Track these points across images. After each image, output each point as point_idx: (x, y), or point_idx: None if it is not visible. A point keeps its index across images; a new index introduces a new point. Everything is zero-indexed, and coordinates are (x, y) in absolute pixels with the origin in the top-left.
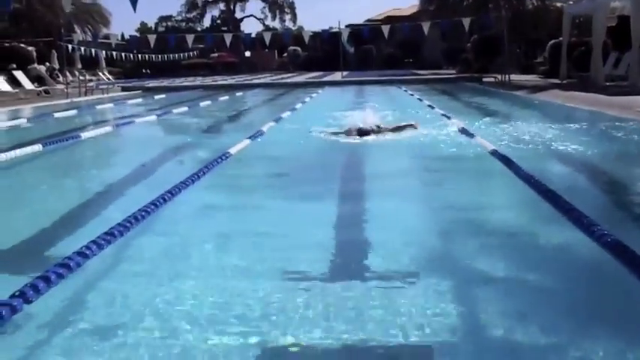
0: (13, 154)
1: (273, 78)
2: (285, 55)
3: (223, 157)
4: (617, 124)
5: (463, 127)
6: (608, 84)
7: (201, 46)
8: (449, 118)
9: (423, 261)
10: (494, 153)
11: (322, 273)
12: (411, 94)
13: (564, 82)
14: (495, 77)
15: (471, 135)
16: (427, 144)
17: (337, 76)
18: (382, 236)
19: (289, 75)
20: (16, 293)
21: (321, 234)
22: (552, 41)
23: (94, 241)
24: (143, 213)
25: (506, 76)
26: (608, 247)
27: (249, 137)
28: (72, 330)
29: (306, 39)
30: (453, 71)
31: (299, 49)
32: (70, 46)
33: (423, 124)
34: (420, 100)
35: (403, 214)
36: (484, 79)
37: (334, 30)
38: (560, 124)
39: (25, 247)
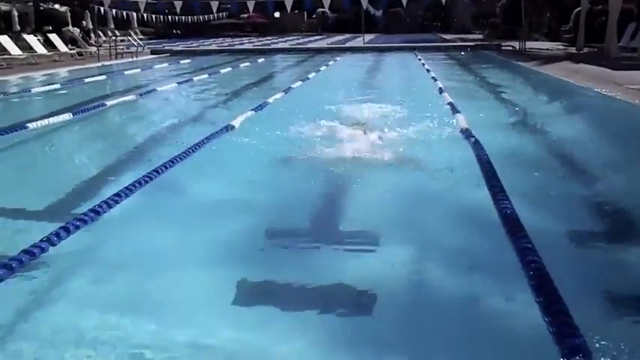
0: (46, 121)
1: (298, 41)
2: (315, 16)
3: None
4: (598, 102)
5: (451, 102)
6: (624, 55)
7: (230, 6)
8: (441, 92)
9: None
10: (465, 131)
11: None
12: (423, 64)
13: (581, 52)
14: (513, 46)
15: (456, 111)
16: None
17: (361, 41)
18: None
19: (315, 38)
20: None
21: None
22: (578, 8)
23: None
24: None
25: (523, 45)
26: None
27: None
28: None
29: (326, 5)
30: (481, 36)
31: (328, 11)
32: (102, 8)
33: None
34: (428, 70)
35: None
36: (503, 47)
37: None
38: (541, 100)
39: None
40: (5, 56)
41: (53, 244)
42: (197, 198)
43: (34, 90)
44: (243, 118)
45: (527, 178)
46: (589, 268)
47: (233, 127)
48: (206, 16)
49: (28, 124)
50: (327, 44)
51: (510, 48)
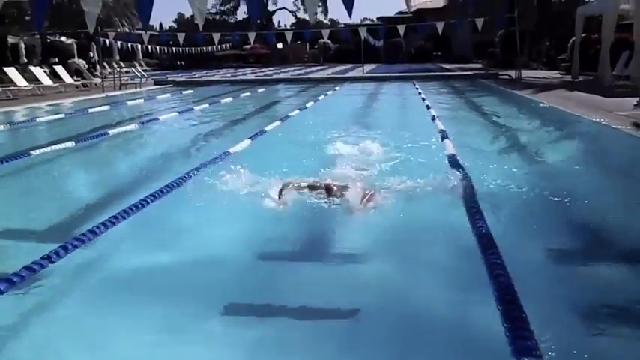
0: (48, 149)
1: (300, 72)
2: (317, 47)
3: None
4: (586, 129)
5: (442, 129)
6: (617, 83)
7: (232, 37)
8: (434, 119)
9: None
10: (451, 157)
11: None
12: (419, 93)
13: (576, 80)
14: (509, 75)
15: (445, 137)
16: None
17: (361, 70)
18: None
19: (317, 68)
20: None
21: None
22: (573, 38)
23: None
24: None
25: (519, 73)
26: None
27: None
28: None
29: (325, 36)
30: (480, 65)
31: (329, 41)
32: (107, 40)
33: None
34: (424, 99)
35: None
36: (500, 76)
37: (353, 26)
38: (530, 126)
39: None
40: (12, 87)
41: (52, 262)
42: (184, 225)
43: (38, 120)
44: (240, 147)
45: (508, 203)
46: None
47: (229, 153)
48: (209, 48)
49: (31, 152)
50: (328, 74)
51: (507, 77)
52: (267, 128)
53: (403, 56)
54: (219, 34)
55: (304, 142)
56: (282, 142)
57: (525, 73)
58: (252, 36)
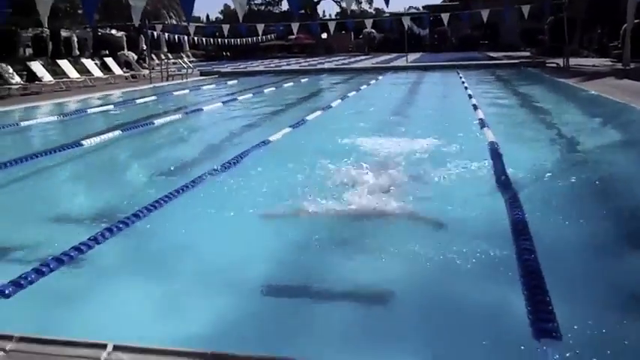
0: (98, 139)
1: (344, 62)
2: (361, 37)
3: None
4: (633, 117)
5: (482, 118)
6: None
7: (277, 28)
8: (475, 108)
9: None
10: (490, 145)
11: None
12: (463, 82)
13: (628, 67)
14: (557, 63)
15: (483, 125)
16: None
17: (405, 60)
18: None
19: (361, 58)
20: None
21: None
22: (625, 25)
23: None
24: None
25: (567, 61)
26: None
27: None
28: None
29: (369, 25)
30: (528, 53)
31: (374, 31)
32: (155, 33)
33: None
34: (466, 88)
35: None
36: (547, 64)
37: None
38: (572, 116)
39: None
40: (65, 79)
41: (98, 243)
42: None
43: (89, 110)
44: (281, 135)
45: (543, 190)
46: None
47: (269, 142)
48: (254, 38)
49: (82, 142)
50: (371, 64)
51: (554, 65)
52: (308, 117)
53: (448, 45)
54: (263, 25)
55: (344, 131)
56: (323, 131)
57: (575, 61)
58: (295, 26)
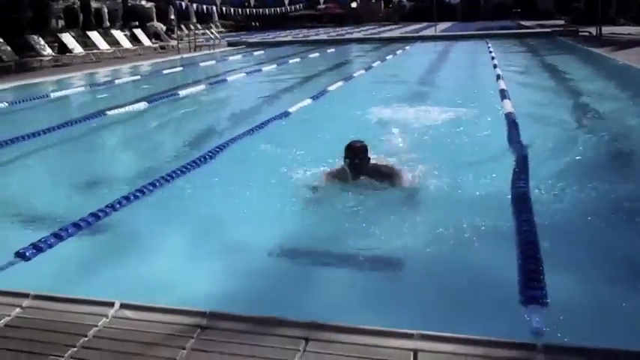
0: (124, 109)
1: (373, 31)
2: (391, 5)
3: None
4: None
5: (503, 89)
6: None
7: None
8: (498, 78)
9: None
10: (507, 116)
11: None
12: (490, 52)
13: None
14: (589, 32)
15: (503, 97)
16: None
17: (434, 30)
18: None
19: (390, 27)
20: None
21: None
22: None
23: None
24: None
25: (599, 30)
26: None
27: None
28: None
29: None
30: (562, 22)
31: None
32: (183, 3)
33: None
34: (493, 58)
35: None
36: (580, 33)
37: None
38: (600, 86)
39: None
40: (95, 50)
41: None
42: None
43: (116, 81)
44: (300, 106)
45: (558, 162)
46: None
47: (289, 113)
48: (284, 8)
49: (106, 112)
50: (400, 34)
51: (587, 33)
52: (330, 88)
53: (481, 14)
54: None
55: (365, 101)
56: (343, 102)
57: (611, 29)
58: None
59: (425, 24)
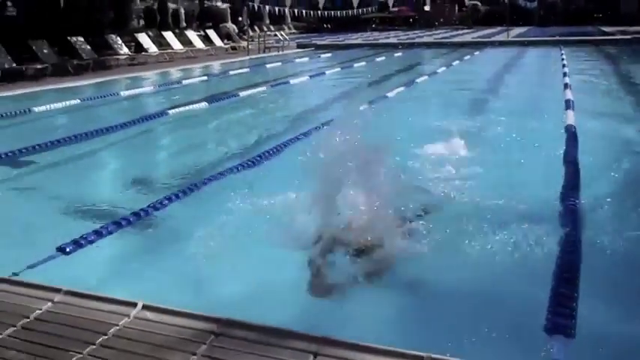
0: (185, 108)
1: (444, 35)
2: (465, 9)
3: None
4: None
5: (569, 99)
6: None
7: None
8: (565, 87)
9: None
10: (568, 128)
11: None
12: (562, 59)
13: None
14: None
15: (568, 107)
16: None
17: (507, 35)
18: None
19: (463, 32)
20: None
21: None
22: None
23: None
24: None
25: None
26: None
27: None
28: None
29: None
30: None
31: (479, 3)
32: (255, 5)
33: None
34: (564, 66)
35: None
36: None
37: None
38: None
39: None
40: (169, 50)
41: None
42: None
43: (184, 81)
44: (358, 110)
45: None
46: None
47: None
48: (355, 11)
49: (169, 111)
50: (471, 38)
51: None
52: (389, 94)
53: (559, 18)
54: None
55: (422, 109)
56: (401, 109)
57: None
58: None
59: (499, 28)
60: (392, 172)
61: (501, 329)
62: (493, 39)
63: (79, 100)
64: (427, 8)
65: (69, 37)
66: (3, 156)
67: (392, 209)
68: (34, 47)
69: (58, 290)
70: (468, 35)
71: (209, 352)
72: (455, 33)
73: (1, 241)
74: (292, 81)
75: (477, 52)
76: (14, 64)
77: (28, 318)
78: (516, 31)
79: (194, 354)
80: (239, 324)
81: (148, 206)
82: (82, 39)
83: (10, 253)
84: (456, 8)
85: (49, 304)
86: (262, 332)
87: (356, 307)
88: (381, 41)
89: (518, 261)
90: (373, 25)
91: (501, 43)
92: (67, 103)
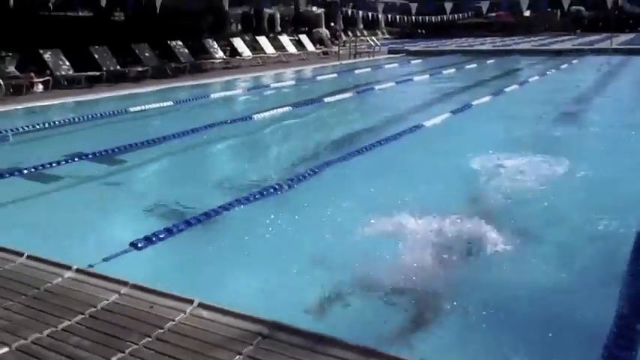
0: (272, 112)
1: (542, 42)
2: (568, 15)
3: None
4: None
5: None
6: None
7: (478, 5)
8: None
9: None
10: None
11: None
12: None
13: None
14: None
15: None
16: None
17: (610, 42)
18: None
19: (563, 39)
20: None
21: None
22: None
23: None
24: None
25: None
26: None
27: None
28: None
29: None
30: None
31: (582, 9)
32: (349, 10)
33: None
34: None
35: None
36: None
37: None
38: None
39: None
40: (262, 55)
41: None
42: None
43: (272, 85)
44: (440, 119)
45: None
46: None
47: (423, 126)
48: (451, 16)
49: (254, 115)
50: (571, 45)
51: None
52: (474, 102)
53: None
54: (450, 3)
55: (506, 119)
56: (483, 118)
57: None
58: (486, 5)
59: (603, 35)
60: None
61: None
62: (596, 46)
63: (169, 103)
64: (527, 14)
65: (169, 41)
66: (97, 154)
67: None
68: (136, 51)
69: (125, 283)
70: (569, 42)
71: (254, 353)
72: (555, 40)
73: (87, 233)
74: (377, 87)
75: (575, 61)
76: (118, 67)
77: (96, 307)
78: (621, 39)
79: (240, 353)
80: (287, 328)
81: (219, 207)
82: (180, 43)
83: (89, 244)
84: (559, 14)
85: (116, 295)
86: (308, 338)
87: None
88: (476, 47)
89: None
90: (469, 31)
91: (600, 51)
92: (163, 104)
